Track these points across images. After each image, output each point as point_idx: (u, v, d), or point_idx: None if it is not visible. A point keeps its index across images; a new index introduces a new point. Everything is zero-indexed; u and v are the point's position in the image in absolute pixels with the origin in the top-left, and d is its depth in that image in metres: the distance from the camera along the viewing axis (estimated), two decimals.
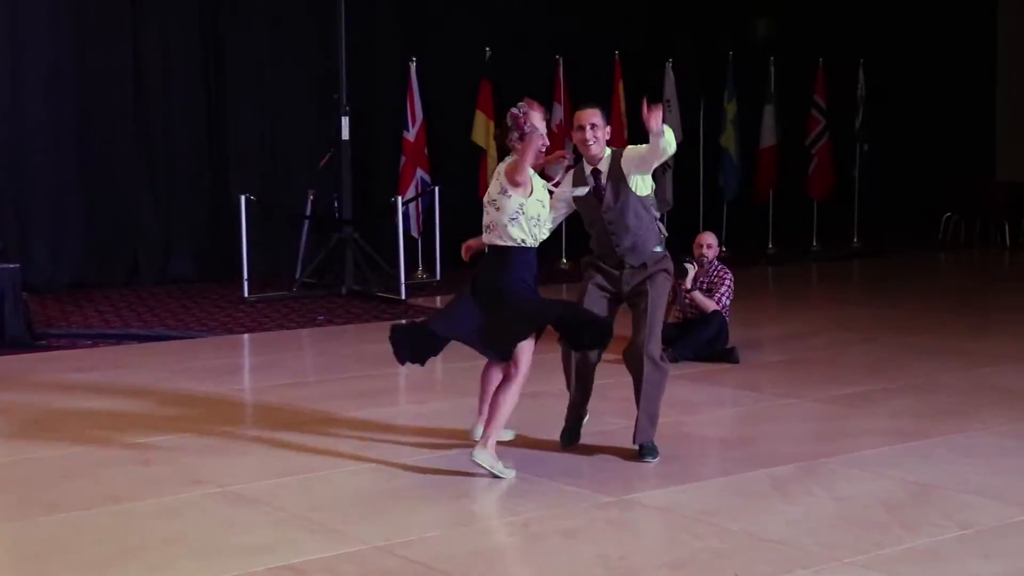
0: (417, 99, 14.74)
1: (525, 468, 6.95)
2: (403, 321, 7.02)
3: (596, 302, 7.12)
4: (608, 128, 7.09)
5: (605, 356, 7.29)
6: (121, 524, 6.04)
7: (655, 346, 7.07)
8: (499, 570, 5.57)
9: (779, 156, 17.87)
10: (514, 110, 6.87)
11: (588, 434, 7.39)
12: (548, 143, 6.94)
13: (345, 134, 13.70)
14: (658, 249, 7.14)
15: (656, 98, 6.71)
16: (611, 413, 7.76)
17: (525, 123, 6.79)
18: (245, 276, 13.08)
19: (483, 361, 7.26)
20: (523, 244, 6.86)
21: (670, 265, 7.25)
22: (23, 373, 9.60)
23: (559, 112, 15.51)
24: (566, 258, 15.00)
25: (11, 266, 10.93)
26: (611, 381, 7.89)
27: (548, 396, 8.02)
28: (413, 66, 14.75)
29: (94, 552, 5.67)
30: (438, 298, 13.33)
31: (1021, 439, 7.52)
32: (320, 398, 8.66)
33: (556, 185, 7.22)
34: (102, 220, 14.24)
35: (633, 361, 7.10)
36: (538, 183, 6.92)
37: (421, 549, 5.64)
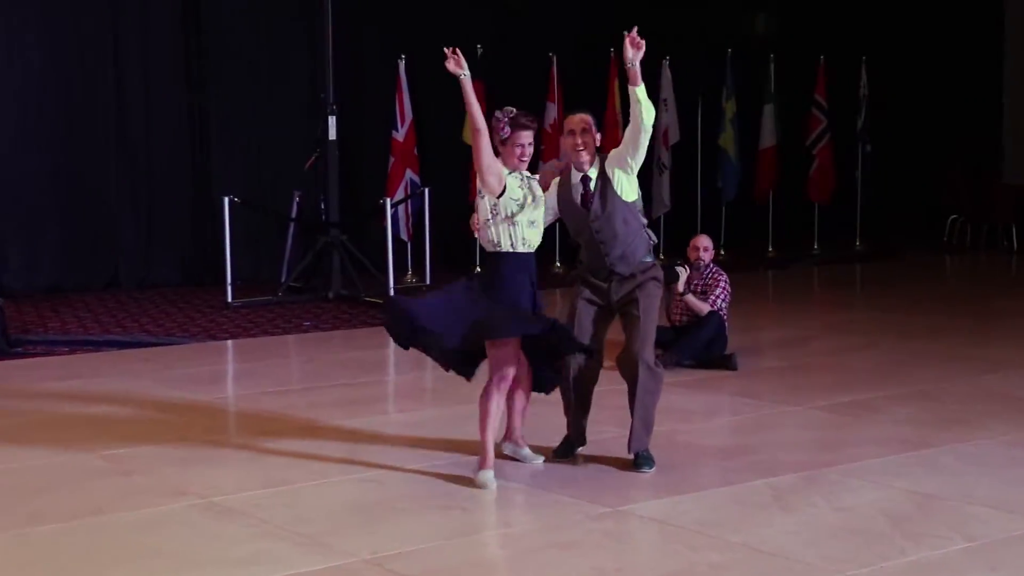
0: (406, 98, 14.75)
1: (519, 478, 6.96)
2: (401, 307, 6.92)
3: (587, 318, 7.15)
4: (598, 135, 7.12)
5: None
6: (101, 537, 6.03)
7: (649, 352, 7.10)
8: None
9: (779, 157, 17.88)
10: (498, 113, 6.95)
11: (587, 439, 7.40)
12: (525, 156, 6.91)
13: (332, 134, 13.71)
14: (648, 259, 7.18)
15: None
16: (606, 422, 7.75)
17: (502, 128, 6.86)
18: (229, 280, 13.07)
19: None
20: (499, 249, 6.86)
21: (659, 273, 7.28)
22: None
23: (553, 112, 15.52)
24: (560, 262, 15.01)
25: None
26: (606, 389, 7.88)
27: (541, 405, 8.01)
28: (402, 64, 14.76)
29: (74, 566, 5.67)
30: None
31: None
32: (306, 406, 8.66)
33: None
34: (81, 222, 14.22)
35: (627, 367, 7.13)
36: (513, 182, 6.88)
37: (411, 562, 5.64)
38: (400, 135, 14.75)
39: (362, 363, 10.41)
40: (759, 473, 6.97)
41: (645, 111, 6.86)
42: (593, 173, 7.08)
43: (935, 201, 19.64)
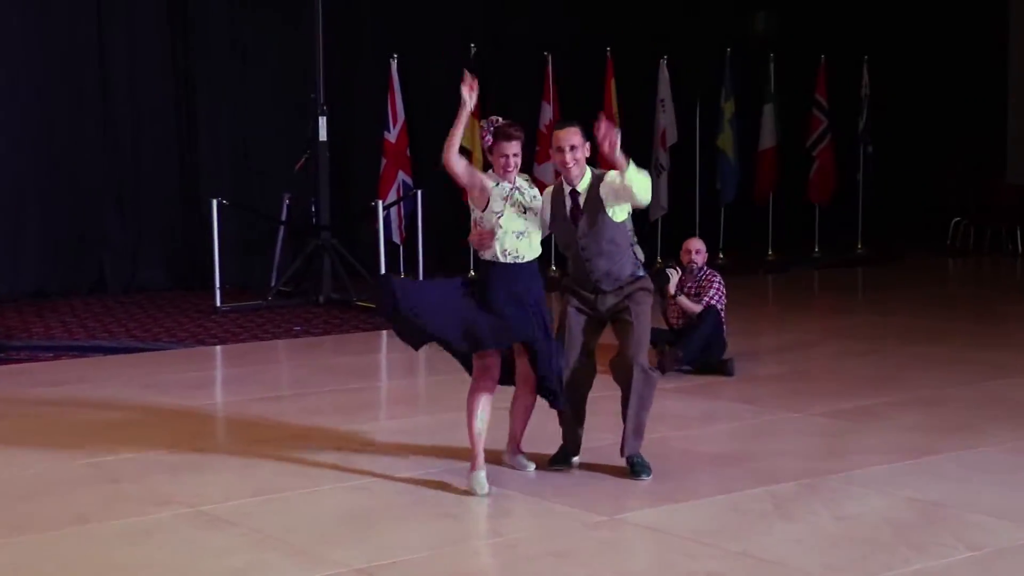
0: (398, 98, 14.75)
1: (512, 486, 6.95)
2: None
3: (577, 326, 7.17)
4: (587, 145, 7.13)
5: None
6: (87, 547, 6.02)
7: (643, 356, 7.14)
8: None
9: (779, 158, 17.90)
10: (483, 123, 7.03)
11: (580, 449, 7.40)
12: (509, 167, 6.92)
13: (322, 135, 13.71)
14: (636, 275, 7.20)
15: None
16: (601, 429, 7.75)
17: (485, 137, 6.94)
18: (217, 285, 13.07)
19: (460, 374, 7.26)
20: (484, 257, 6.91)
21: (649, 284, 7.30)
22: None
23: (548, 112, 15.52)
24: (555, 265, 15.01)
25: None
26: (600, 395, 7.87)
27: (535, 412, 8.01)
28: (394, 63, 14.76)
29: None
30: None
31: None
32: (297, 413, 8.65)
33: None
34: (65, 225, 14.21)
35: (621, 371, 7.16)
36: (498, 194, 6.89)
37: (404, 571, 5.63)
38: (392, 136, 14.75)
39: (353, 369, 10.41)
40: (759, 481, 6.97)
41: (639, 191, 6.90)
42: (583, 186, 7.11)
43: (937, 203, 19.68)
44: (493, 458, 7.25)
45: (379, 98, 15.00)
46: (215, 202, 13.14)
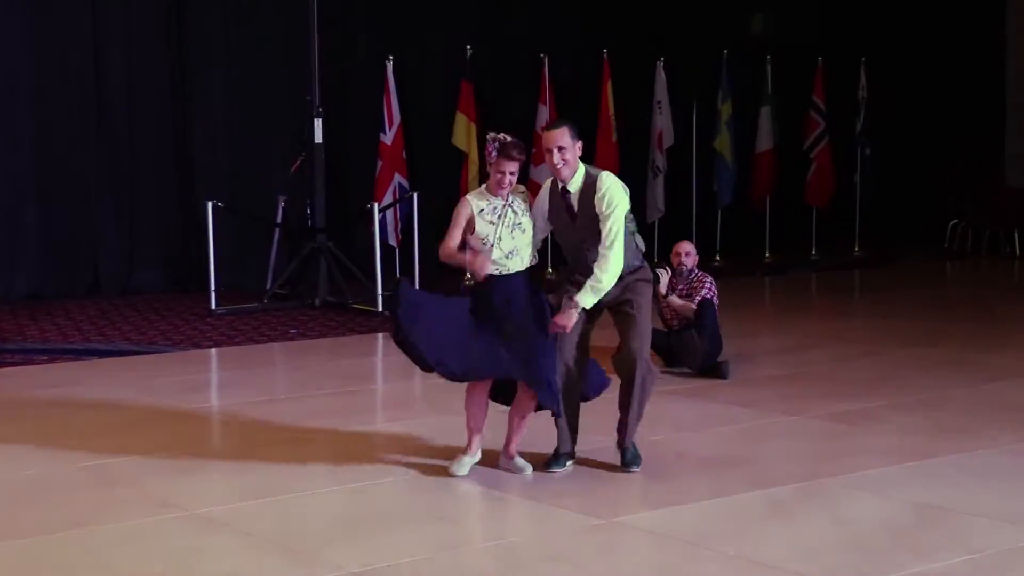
0: (394, 100, 14.73)
1: (510, 489, 6.96)
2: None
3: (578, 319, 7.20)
4: (579, 144, 7.19)
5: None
6: (82, 550, 6.02)
7: (647, 349, 7.24)
8: None
9: (776, 160, 17.90)
10: (491, 135, 7.14)
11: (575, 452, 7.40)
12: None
13: (318, 137, 13.70)
14: (637, 266, 7.26)
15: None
16: (597, 431, 7.75)
17: (490, 152, 7.06)
18: (213, 287, 13.05)
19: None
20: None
21: (648, 274, 7.39)
22: None
23: (544, 114, 15.51)
24: (552, 267, 15.00)
25: None
26: (598, 398, 7.88)
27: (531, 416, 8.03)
28: (390, 65, 14.75)
29: None
30: None
31: None
32: (293, 415, 8.65)
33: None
34: (61, 228, 14.19)
35: (624, 366, 7.24)
36: (484, 219, 7.07)
37: (401, 575, 5.63)
38: (388, 138, 14.73)
39: (350, 372, 10.40)
40: (757, 484, 6.97)
41: (603, 280, 7.05)
42: (575, 186, 7.17)
43: (936, 205, 19.67)
44: (491, 461, 7.27)
45: (375, 100, 14.98)
46: (210, 204, 13.12)
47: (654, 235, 16.66)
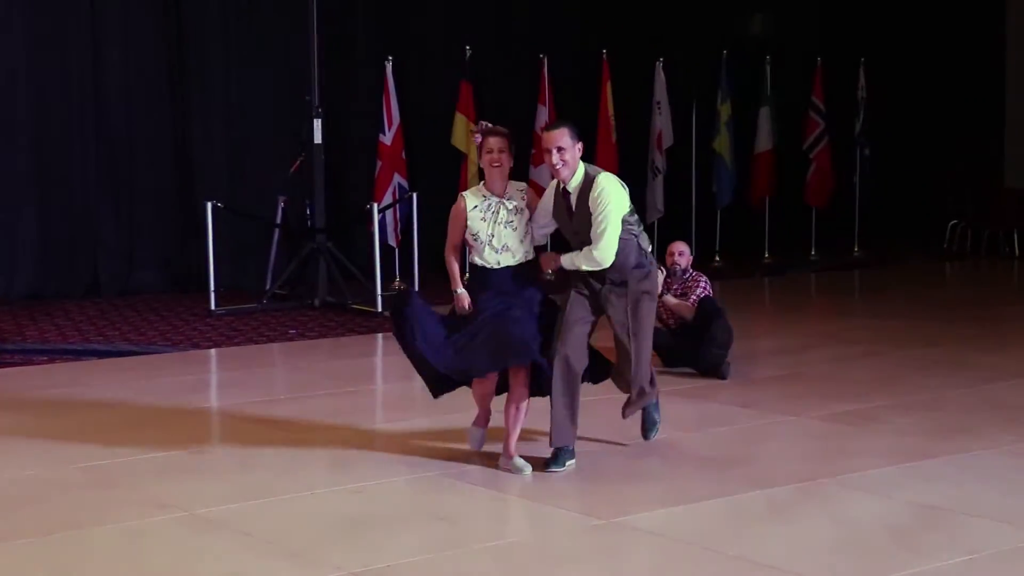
0: (394, 101, 14.73)
1: (510, 489, 6.96)
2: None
3: (580, 310, 7.30)
4: (579, 145, 7.27)
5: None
6: (80, 551, 6.02)
7: (644, 374, 7.42)
8: None
9: (775, 161, 17.90)
10: (474, 126, 7.59)
11: (576, 452, 7.40)
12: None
13: (317, 137, 13.70)
14: (642, 264, 7.31)
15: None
16: (597, 432, 7.77)
17: (475, 137, 7.38)
18: (212, 288, 13.05)
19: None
20: (473, 261, 7.40)
21: (654, 285, 7.47)
22: None
23: (544, 114, 15.51)
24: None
25: None
26: (598, 399, 7.89)
27: (532, 416, 8.02)
28: (389, 66, 14.75)
29: None
30: None
31: None
32: (292, 416, 8.65)
33: None
34: (60, 228, 14.19)
35: (622, 385, 7.54)
36: (476, 215, 7.27)
37: (400, 575, 5.65)
38: (387, 138, 14.73)
39: (349, 372, 10.40)
40: (756, 484, 6.97)
41: (589, 264, 7.24)
42: (574, 186, 7.24)
43: (935, 206, 19.68)
44: (491, 461, 7.28)
45: (374, 100, 14.99)
46: (210, 205, 13.12)
47: (653, 235, 16.61)
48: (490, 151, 7.24)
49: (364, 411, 9.09)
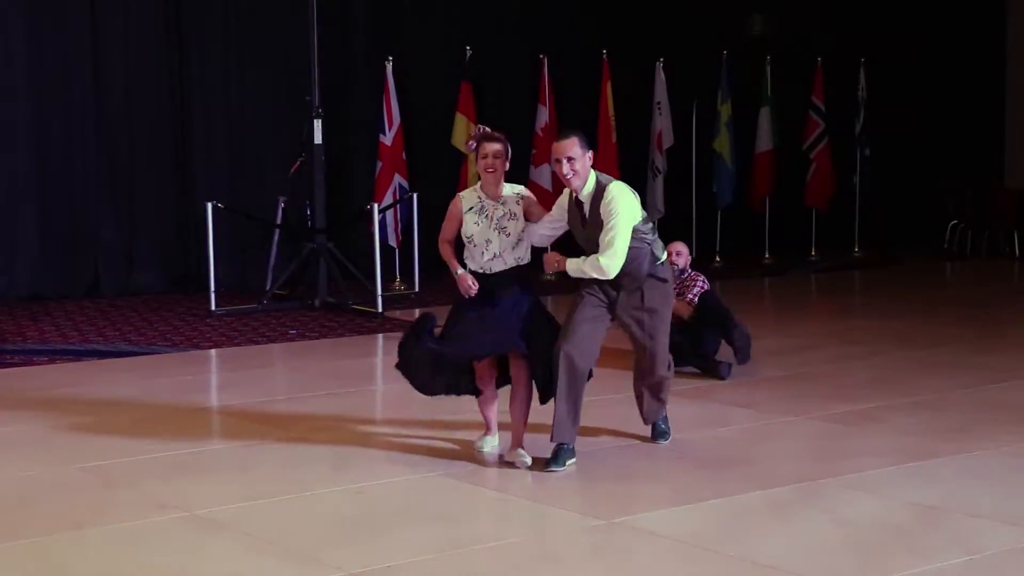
0: (394, 101, 14.73)
1: (509, 489, 6.96)
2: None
3: (590, 310, 7.34)
4: (590, 155, 7.32)
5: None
6: (81, 551, 6.02)
7: (662, 367, 7.54)
8: None
9: (776, 161, 17.89)
10: (471, 131, 7.54)
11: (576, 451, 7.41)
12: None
13: (318, 138, 13.69)
14: (656, 272, 7.40)
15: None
16: (597, 432, 7.77)
17: (470, 144, 7.47)
18: (212, 288, 13.05)
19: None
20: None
21: (669, 291, 7.57)
22: None
23: (544, 115, 15.51)
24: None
25: None
26: (600, 399, 7.90)
27: (534, 415, 8.03)
28: (389, 66, 14.75)
29: None
30: (416, 311, 13.31)
31: None
32: (292, 416, 8.65)
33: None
34: (59, 228, 14.18)
35: (644, 379, 7.66)
36: (471, 218, 7.37)
37: (400, 575, 5.64)
38: (388, 139, 14.73)
39: (349, 372, 10.40)
40: (756, 484, 6.97)
41: (592, 270, 7.28)
42: (586, 195, 7.29)
43: (935, 206, 19.66)
44: (492, 463, 7.28)
45: (375, 101, 14.99)
46: (210, 205, 13.11)
47: None
48: (485, 156, 7.31)
49: (364, 411, 9.09)
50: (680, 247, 10.38)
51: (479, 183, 7.46)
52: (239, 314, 13.03)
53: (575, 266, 7.28)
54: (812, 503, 6.67)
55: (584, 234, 7.35)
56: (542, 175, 14.96)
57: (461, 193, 7.53)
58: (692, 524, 6.35)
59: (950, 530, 6.23)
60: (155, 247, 14.81)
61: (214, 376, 10.72)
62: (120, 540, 6.16)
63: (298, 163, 13.97)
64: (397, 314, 13.00)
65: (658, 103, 16.66)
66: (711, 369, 9.87)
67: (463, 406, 8.07)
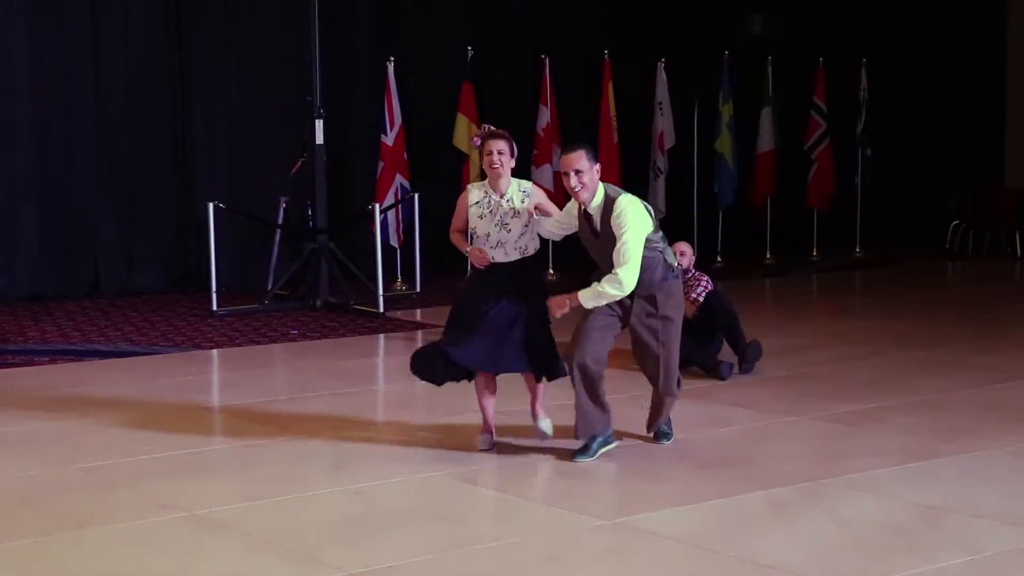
0: (395, 101, 14.72)
1: (511, 489, 6.95)
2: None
3: (602, 318, 7.40)
4: (597, 167, 7.36)
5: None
6: (82, 552, 6.01)
7: (672, 381, 7.62)
8: None
9: (777, 161, 17.88)
10: (476, 131, 7.74)
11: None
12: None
13: (319, 138, 13.68)
14: (668, 279, 7.45)
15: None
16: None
17: (475, 142, 7.64)
18: (214, 288, 13.04)
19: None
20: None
21: (681, 298, 7.61)
22: None
23: (545, 115, 15.50)
24: (552, 269, 15.00)
25: None
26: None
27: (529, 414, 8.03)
28: (391, 66, 14.74)
29: None
30: (418, 311, 13.32)
31: None
32: (293, 416, 8.65)
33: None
34: (60, 228, 14.17)
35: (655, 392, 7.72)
36: (475, 211, 7.50)
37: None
38: (389, 139, 14.72)
39: (350, 373, 10.39)
40: (757, 484, 6.97)
41: (611, 288, 7.24)
42: (594, 207, 7.34)
43: (936, 207, 19.65)
44: (493, 464, 7.28)
45: (376, 101, 14.99)
46: (211, 205, 13.11)
47: None
48: (489, 153, 7.41)
49: (366, 412, 9.08)
50: (684, 247, 10.39)
51: (487, 179, 7.54)
52: (240, 314, 13.02)
53: (591, 295, 7.24)
54: (813, 503, 6.66)
55: (596, 246, 7.39)
56: (544, 175, 14.94)
57: (469, 185, 7.68)
58: (693, 524, 6.35)
59: (951, 530, 6.23)
60: (156, 247, 14.81)
61: (215, 376, 10.72)
62: (121, 540, 6.15)
63: (299, 163, 13.97)
64: (398, 314, 13.00)
65: (659, 103, 16.65)
66: (712, 369, 9.87)
67: (463, 407, 8.07)
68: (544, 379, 7.57)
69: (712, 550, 5.93)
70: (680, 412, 8.46)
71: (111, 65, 14.40)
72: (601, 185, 7.34)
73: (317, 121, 13.66)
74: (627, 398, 8.23)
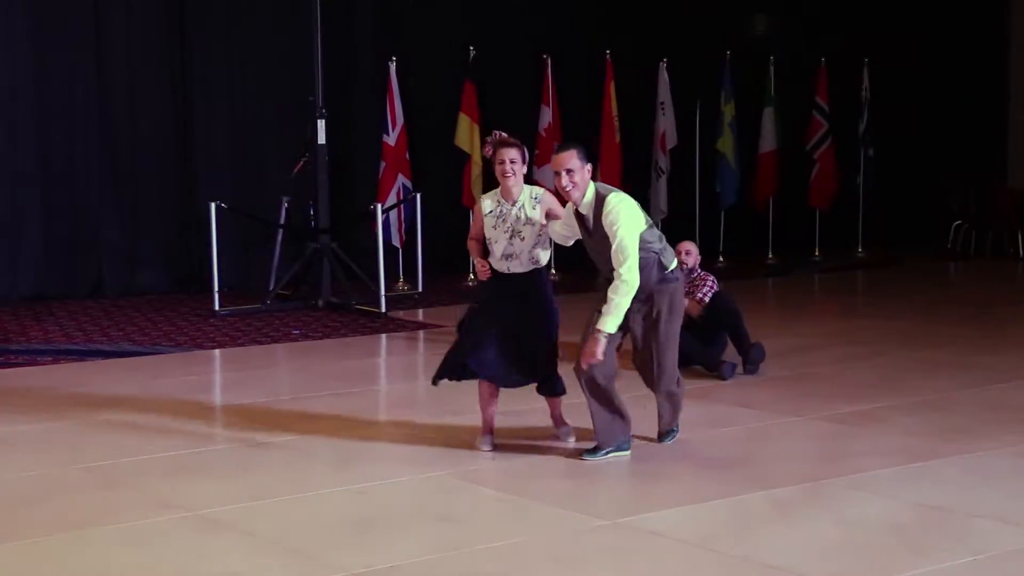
0: (397, 101, 14.72)
1: (512, 490, 6.94)
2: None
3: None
4: (588, 167, 7.37)
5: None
6: (83, 552, 6.01)
7: (669, 381, 7.66)
8: None
9: (779, 161, 17.87)
10: (487, 138, 7.61)
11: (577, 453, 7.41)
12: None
13: (321, 138, 13.68)
14: (665, 279, 7.45)
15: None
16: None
17: (487, 150, 7.58)
18: (216, 288, 13.04)
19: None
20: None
21: (680, 299, 7.61)
22: None
23: (547, 115, 15.50)
24: (555, 270, 14.99)
25: None
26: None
27: (531, 413, 8.03)
28: (393, 66, 14.74)
29: None
30: (420, 311, 13.32)
31: None
32: (296, 416, 8.64)
33: None
34: (63, 228, 14.17)
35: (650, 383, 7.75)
36: (489, 221, 7.50)
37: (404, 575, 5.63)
38: (391, 139, 14.72)
39: (352, 373, 10.39)
40: (760, 484, 6.96)
41: (620, 295, 7.21)
42: (586, 206, 7.34)
43: (938, 207, 19.64)
44: (494, 464, 7.28)
45: (378, 101, 14.99)
46: (213, 205, 13.11)
47: None
48: (502, 162, 7.42)
49: (368, 411, 9.08)
50: (689, 246, 10.38)
51: (499, 187, 7.55)
52: (243, 314, 13.02)
53: (611, 318, 7.16)
54: (816, 503, 6.66)
55: (592, 244, 7.42)
56: (545, 176, 14.91)
57: (482, 196, 7.70)
58: (695, 524, 6.34)
59: (954, 530, 6.22)
60: (158, 247, 14.81)
61: (217, 376, 10.72)
62: (122, 540, 6.15)
63: (302, 163, 13.96)
64: (400, 314, 13.00)
65: (661, 103, 16.64)
66: (715, 369, 9.86)
67: (464, 407, 8.06)
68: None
69: (714, 550, 5.92)
70: (682, 412, 8.46)
71: (114, 66, 14.39)
72: (592, 184, 7.34)
73: (319, 121, 13.66)
74: (628, 398, 8.20)
